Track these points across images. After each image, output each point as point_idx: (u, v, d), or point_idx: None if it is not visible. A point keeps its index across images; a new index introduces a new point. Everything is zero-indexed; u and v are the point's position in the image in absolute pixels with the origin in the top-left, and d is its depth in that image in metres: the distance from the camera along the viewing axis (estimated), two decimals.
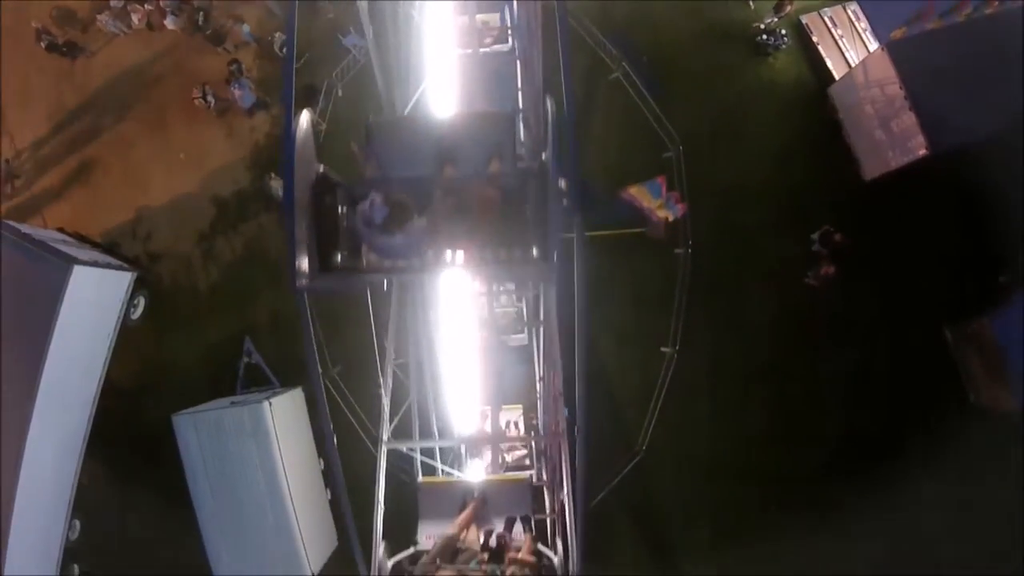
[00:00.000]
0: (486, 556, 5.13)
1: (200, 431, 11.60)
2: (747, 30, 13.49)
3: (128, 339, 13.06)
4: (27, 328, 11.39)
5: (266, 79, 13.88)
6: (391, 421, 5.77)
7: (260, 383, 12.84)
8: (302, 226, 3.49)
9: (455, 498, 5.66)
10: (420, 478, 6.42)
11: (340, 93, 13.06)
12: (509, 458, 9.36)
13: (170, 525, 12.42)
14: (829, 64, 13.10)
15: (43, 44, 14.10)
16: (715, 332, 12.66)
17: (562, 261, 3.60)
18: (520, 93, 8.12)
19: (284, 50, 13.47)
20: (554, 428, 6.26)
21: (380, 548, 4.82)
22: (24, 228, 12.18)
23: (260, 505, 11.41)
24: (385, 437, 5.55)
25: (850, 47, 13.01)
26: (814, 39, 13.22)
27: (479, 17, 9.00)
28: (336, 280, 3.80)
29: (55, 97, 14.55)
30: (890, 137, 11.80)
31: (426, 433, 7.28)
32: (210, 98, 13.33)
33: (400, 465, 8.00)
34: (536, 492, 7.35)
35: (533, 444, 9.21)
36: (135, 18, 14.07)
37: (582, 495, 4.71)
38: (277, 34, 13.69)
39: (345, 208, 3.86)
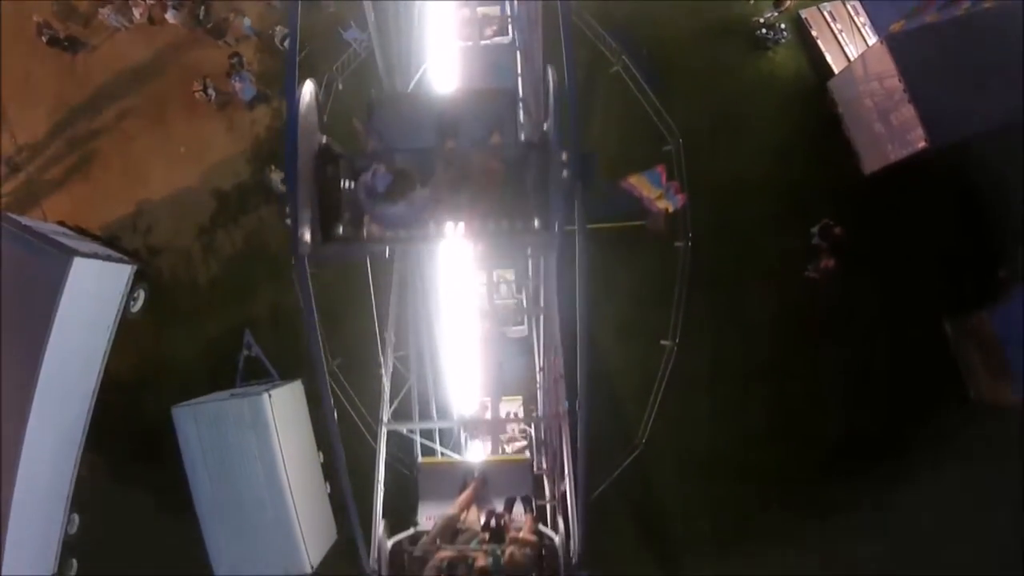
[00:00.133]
0: (487, 536, 5.12)
1: (200, 423, 11.58)
2: (747, 24, 13.53)
3: (128, 332, 13.04)
4: (27, 320, 11.37)
5: (267, 73, 13.90)
6: (391, 403, 5.76)
7: (260, 376, 12.82)
8: (305, 194, 3.49)
9: (455, 479, 5.65)
10: (420, 459, 6.41)
11: (341, 87, 13.07)
12: (509, 449, 9.35)
13: (169, 519, 12.38)
14: (828, 58, 13.15)
15: (44, 38, 14.12)
16: (715, 325, 12.67)
17: (564, 233, 3.60)
18: (520, 82, 8.13)
19: (285, 43, 13.50)
20: (555, 410, 6.25)
21: (380, 527, 4.80)
22: (24, 221, 12.19)
23: (259, 497, 11.38)
24: (385, 418, 5.55)
25: (849, 41, 13.05)
26: (813, 33, 13.27)
27: (480, 9, 9.04)
28: (338, 249, 3.80)
29: (56, 91, 14.56)
30: (889, 130, 11.83)
31: (426, 416, 7.28)
32: (211, 91, 13.36)
33: (399, 456, 8.01)
34: (536, 481, 7.34)
35: (533, 434, 9.20)
36: (136, 12, 14.10)
37: (583, 473, 4.70)
38: (278, 28, 13.73)
39: (347, 180, 3.87)
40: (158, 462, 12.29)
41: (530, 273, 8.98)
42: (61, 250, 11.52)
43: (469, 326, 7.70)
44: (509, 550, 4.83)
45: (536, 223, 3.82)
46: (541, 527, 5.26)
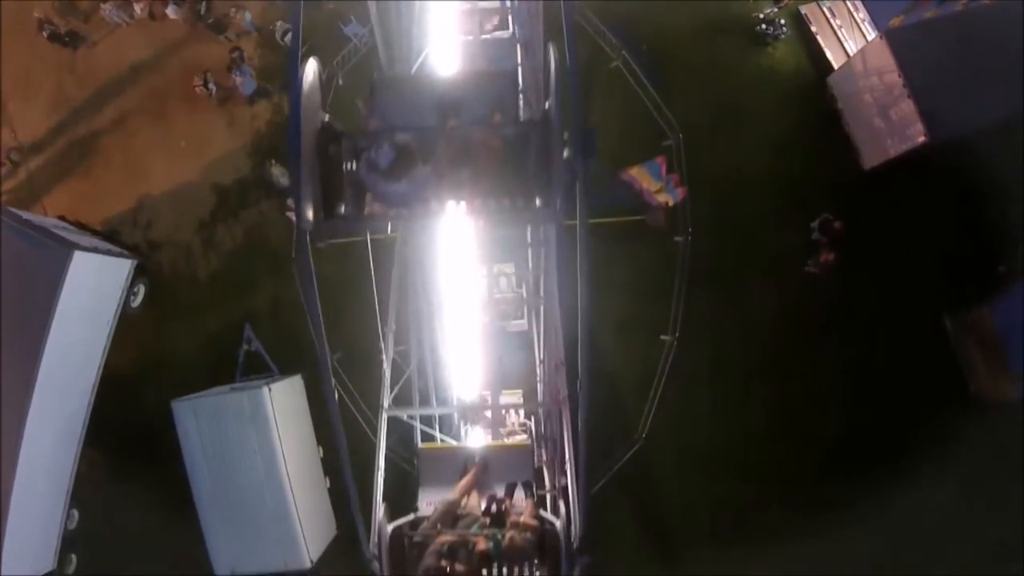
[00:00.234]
0: (487, 521, 5.11)
1: (200, 416, 11.58)
2: (746, 20, 13.56)
3: (128, 327, 13.05)
4: (27, 314, 11.38)
5: (267, 68, 13.93)
6: (391, 390, 5.76)
7: (260, 371, 12.80)
8: (307, 171, 3.50)
9: (456, 464, 5.65)
10: (420, 444, 6.41)
11: (341, 82, 13.08)
12: (508, 442, 9.32)
13: (169, 514, 12.37)
14: (828, 54, 13.17)
15: (45, 34, 14.16)
16: (715, 320, 12.67)
17: (565, 208, 3.60)
18: (520, 72, 8.14)
19: (286, 39, 13.54)
20: (555, 395, 6.25)
21: (380, 510, 4.79)
22: (25, 215, 12.19)
23: (259, 491, 11.38)
24: (386, 404, 5.55)
25: (848, 38, 13.08)
26: (813, 29, 13.30)
27: (481, 4, 9.06)
28: (340, 225, 3.80)
29: (56, 87, 14.59)
30: (889, 125, 11.85)
31: (426, 404, 7.28)
32: (211, 86, 13.39)
33: (399, 452, 8.01)
34: (536, 473, 7.33)
35: (532, 428, 9.20)
36: (137, 8, 14.13)
37: (583, 457, 4.69)
38: (279, 23, 13.76)
39: (350, 159, 3.88)
40: (158, 457, 12.28)
41: (530, 266, 8.98)
42: (61, 244, 11.54)
43: (469, 318, 7.71)
44: (509, 534, 4.82)
45: (538, 201, 3.83)
46: (542, 512, 5.25)
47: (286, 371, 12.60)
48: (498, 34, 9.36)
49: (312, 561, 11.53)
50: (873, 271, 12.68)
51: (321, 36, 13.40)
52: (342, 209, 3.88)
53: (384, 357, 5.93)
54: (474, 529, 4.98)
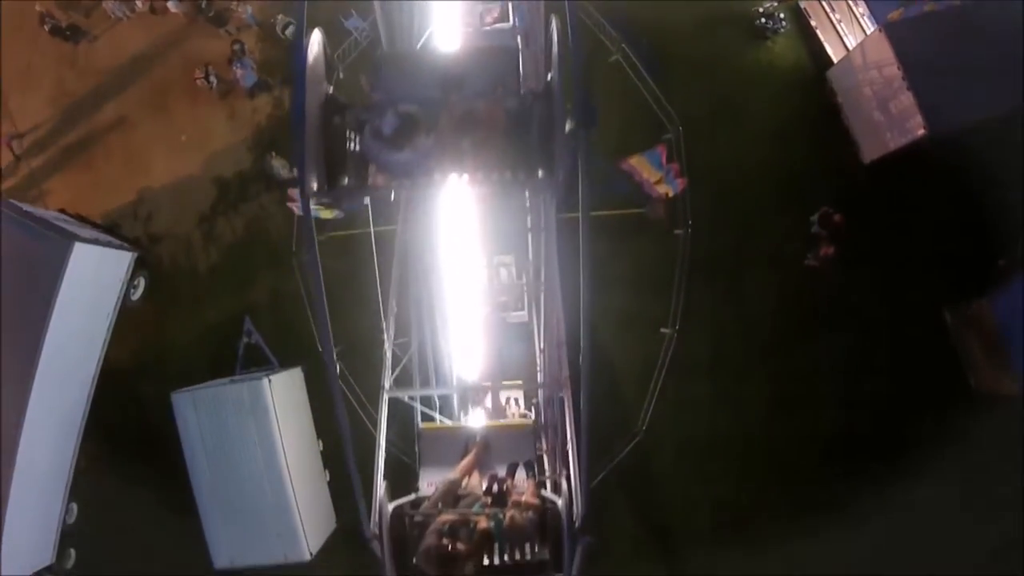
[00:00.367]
0: (489, 501, 5.09)
1: (199, 408, 11.58)
2: (746, 14, 13.60)
3: (128, 320, 13.07)
4: (27, 306, 11.37)
5: (268, 61, 13.96)
6: (392, 372, 5.77)
7: (260, 363, 12.83)
8: (311, 141, 3.51)
9: (457, 444, 5.63)
10: (421, 425, 6.41)
11: (342, 76, 13.10)
12: (510, 422, 9.28)
13: (168, 507, 12.36)
14: (827, 48, 13.22)
15: (47, 28, 14.19)
16: (715, 313, 12.70)
17: (567, 178, 3.61)
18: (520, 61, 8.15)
19: (286, 32, 13.57)
20: (556, 376, 6.24)
21: (381, 487, 4.78)
22: (25, 207, 12.20)
23: (258, 483, 11.37)
24: (387, 385, 5.55)
25: (848, 32, 13.11)
26: (812, 24, 13.36)
27: None
28: (343, 194, 3.81)
29: (57, 81, 14.62)
30: (888, 118, 11.88)
31: (427, 386, 7.29)
32: (212, 78, 13.42)
33: (399, 445, 7.99)
34: (537, 461, 7.32)
35: (532, 416, 9.18)
36: (139, 2, 14.16)
37: (585, 435, 4.68)
38: (279, 16, 13.80)
39: (353, 133, 3.89)
40: (157, 451, 12.27)
41: (530, 253, 9.00)
42: (62, 235, 11.55)
43: (469, 304, 7.71)
44: (511, 513, 4.79)
45: (540, 174, 3.84)
46: (544, 492, 5.24)
47: (286, 364, 12.61)
48: (499, 26, 9.39)
49: (312, 553, 11.52)
50: (873, 264, 12.69)
51: (322, 30, 13.41)
52: (345, 182, 3.90)
53: (386, 337, 5.94)
54: (476, 509, 4.95)
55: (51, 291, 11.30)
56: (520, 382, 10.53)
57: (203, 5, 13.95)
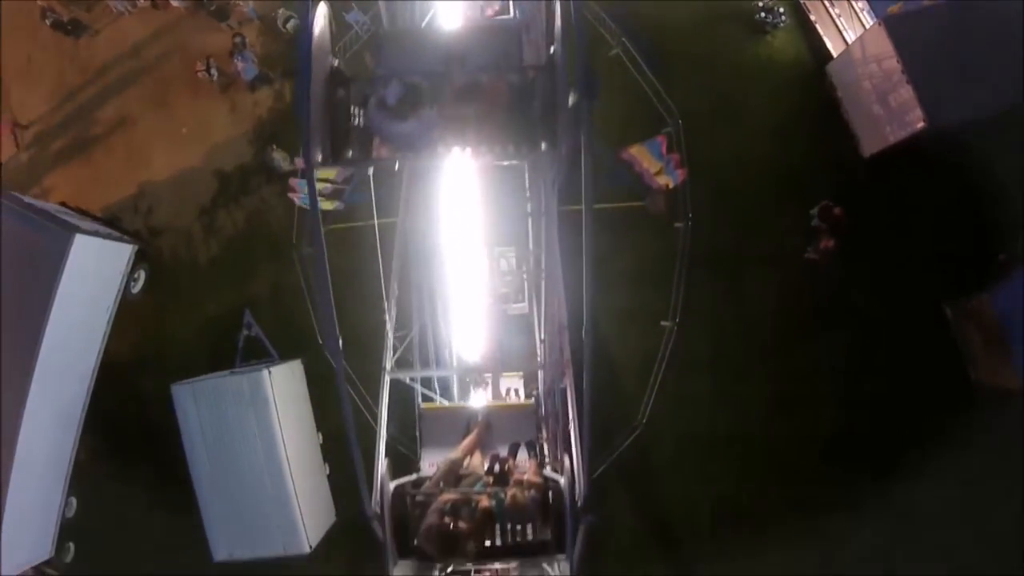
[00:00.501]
0: (490, 480, 5.09)
1: (199, 400, 11.55)
2: (746, 8, 13.62)
3: (128, 313, 13.06)
4: (28, 298, 11.37)
5: (269, 55, 13.98)
6: (394, 353, 5.79)
7: (260, 356, 12.77)
8: (316, 111, 3.52)
9: (458, 424, 5.64)
10: (422, 405, 6.41)
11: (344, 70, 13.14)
12: (511, 402, 9.26)
13: (168, 501, 12.33)
14: (827, 43, 13.25)
15: (48, 22, 14.21)
16: (715, 306, 12.70)
17: (570, 150, 3.62)
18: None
19: (288, 26, 13.60)
20: (558, 359, 6.24)
21: (383, 464, 4.78)
22: (26, 199, 12.21)
23: (258, 475, 11.34)
24: (388, 366, 5.57)
25: (847, 26, 13.16)
26: (812, 18, 13.40)
27: None
28: (347, 163, 3.83)
29: (59, 75, 14.64)
30: (888, 112, 11.90)
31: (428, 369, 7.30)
32: (213, 71, 13.44)
33: (400, 438, 7.99)
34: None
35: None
36: None
37: (588, 412, 4.68)
38: (281, 10, 13.83)
39: (358, 104, 3.91)
40: (157, 445, 12.25)
41: (530, 242, 9.01)
42: (63, 227, 11.55)
43: (469, 292, 7.72)
44: (512, 492, 4.78)
45: (543, 147, 3.85)
46: (546, 471, 5.24)
47: (286, 357, 12.58)
48: (500, 19, 9.41)
49: (311, 546, 11.48)
50: (873, 258, 12.70)
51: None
52: (349, 155, 3.91)
53: (387, 318, 5.96)
54: (477, 488, 4.96)
55: (52, 283, 11.30)
56: (520, 375, 10.56)
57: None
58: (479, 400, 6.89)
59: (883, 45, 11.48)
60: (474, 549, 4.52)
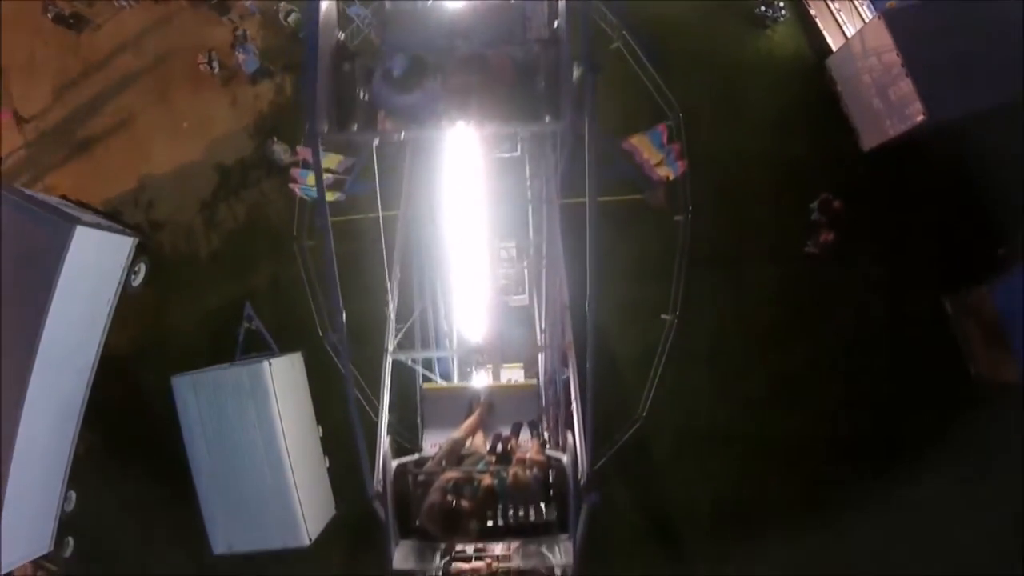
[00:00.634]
0: (493, 459, 5.10)
1: (199, 392, 11.55)
2: (746, 2, 13.65)
3: (129, 306, 13.04)
4: (28, 290, 11.35)
5: (270, 49, 14.00)
6: (396, 335, 5.81)
7: (260, 349, 12.80)
8: (322, 83, 3.54)
9: (460, 405, 5.65)
10: (424, 385, 6.42)
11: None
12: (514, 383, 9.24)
13: (167, 494, 12.30)
14: (827, 37, 13.29)
15: (49, 16, 14.20)
16: (715, 299, 12.71)
17: (575, 121, 3.64)
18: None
19: (289, 20, 13.62)
20: (560, 340, 6.25)
21: (385, 441, 4.78)
22: (26, 191, 12.21)
23: (258, 467, 11.33)
24: (390, 348, 5.58)
25: (847, 21, 13.21)
26: (812, 12, 13.44)
27: None
28: (352, 135, 3.85)
29: (60, 69, 14.61)
30: (887, 105, 11.94)
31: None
32: (215, 64, 13.46)
33: (401, 432, 7.99)
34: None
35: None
36: None
37: (592, 390, 4.69)
38: (282, 4, 13.84)
39: (363, 79, 3.93)
40: (156, 439, 12.24)
41: (531, 234, 9.03)
42: (64, 219, 11.53)
43: (471, 280, 7.73)
44: (514, 471, 4.79)
45: (547, 120, 3.87)
46: (548, 450, 5.25)
47: (286, 349, 12.59)
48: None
49: (311, 539, 11.46)
50: (873, 252, 12.74)
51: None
52: (354, 128, 3.93)
53: (389, 299, 5.98)
54: (480, 467, 4.96)
55: (52, 275, 11.26)
56: (520, 365, 10.57)
57: None
58: (481, 380, 6.89)
59: (883, 39, 11.52)
60: (476, 527, 4.52)
